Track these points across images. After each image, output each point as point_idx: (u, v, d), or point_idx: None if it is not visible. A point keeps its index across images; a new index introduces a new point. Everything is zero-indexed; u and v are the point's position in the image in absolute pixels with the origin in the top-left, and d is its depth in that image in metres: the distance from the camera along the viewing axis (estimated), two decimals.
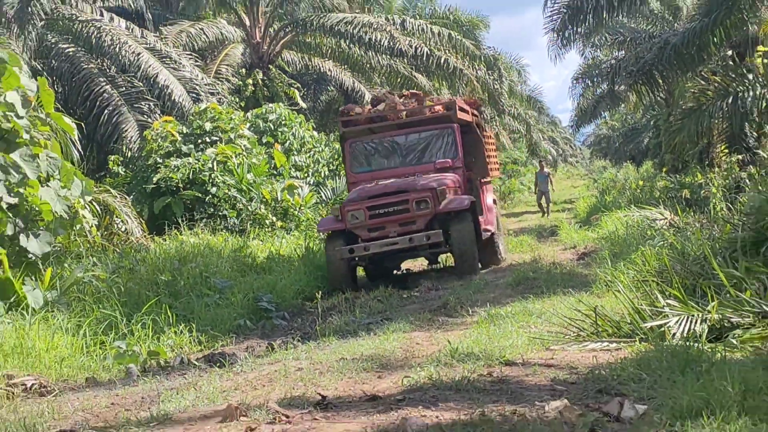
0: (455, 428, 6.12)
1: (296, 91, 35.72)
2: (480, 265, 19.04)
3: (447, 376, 8.08)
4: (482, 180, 20.10)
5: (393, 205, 17.08)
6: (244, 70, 33.41)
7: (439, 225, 17.24)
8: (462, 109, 19.48)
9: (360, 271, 20.30)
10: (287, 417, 7.11)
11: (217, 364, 10.80)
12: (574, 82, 47.15)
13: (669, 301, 9.66)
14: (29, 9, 25.88)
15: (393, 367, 9.13)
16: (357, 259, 17.61)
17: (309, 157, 29.17)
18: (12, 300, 12.67)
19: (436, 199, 16.70)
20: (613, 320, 9.90)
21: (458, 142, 18.73)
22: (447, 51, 34.00)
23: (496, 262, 20.13)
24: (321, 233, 20.04)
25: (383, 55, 34.15)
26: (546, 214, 38.37)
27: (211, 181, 23.11)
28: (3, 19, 25.58)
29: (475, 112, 20.82)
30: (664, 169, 34.52)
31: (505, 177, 49.23)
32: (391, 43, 33.31)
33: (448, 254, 20.15)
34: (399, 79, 36.13)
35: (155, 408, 8.22)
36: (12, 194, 14.44)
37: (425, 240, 16.56)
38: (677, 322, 9.13)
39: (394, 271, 20.88)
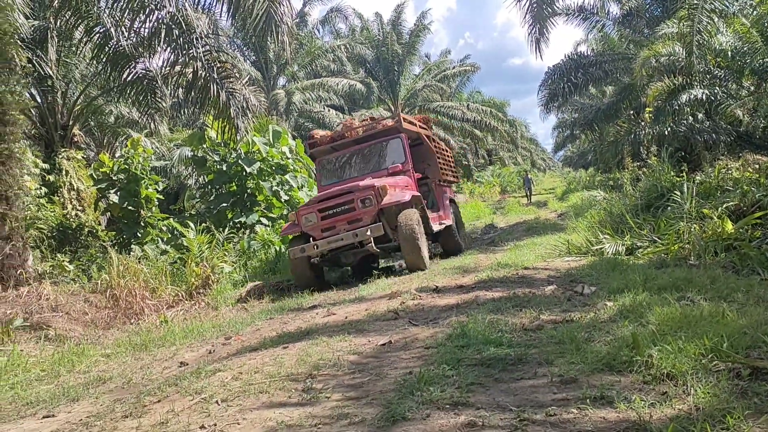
0: (501, 300, 6.06)
1: None
2: (441, 252, 12.54)
3: (496, 275, 8.00)
4: (438, 182, 12.96)
5: (340, 205, 10.42)
6: None
7: (387, 220, 10.48)
8: (409, 122, 12.34)
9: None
10: (420, 296, 7.14)
11: (385, 274, 10.88)
12: (553, 130, 46.94)
13: (605, 236, 9.43)
14: (290, 107, 26.39)
15: (469, 271, 9.06)
16: (313, 257, 10.32)
17: None
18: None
19: (378, 196, 10.26)
20: (577, 246, 9.70)
21: (406, 149, 11.65)
22: (490, 117, 33.70)
23: (459, 248, 12.69)
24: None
25: (458, 121, 33.93)
26: (529, 201, 34.00)
27: None
28: (277, 111, 26.07)
29: (424, 126, 13.44)
30: (600, 171, 33.78)
31: (520, 179, 48.23)
32: (462, 115, 33.31)
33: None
34: (466, 133, 35.83)
35: (356, 294, 8.34)
36: (286, 194, 14.83)
37: (367, 233, 9.92)
38: (609, 245, 8.92)
39: (375, 267, 12.53)
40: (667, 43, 16.07)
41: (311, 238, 10.23)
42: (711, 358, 3.31)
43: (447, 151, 14.99)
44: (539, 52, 12.34)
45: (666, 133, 16.26)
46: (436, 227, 11.49)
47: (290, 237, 10.96)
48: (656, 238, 8.66)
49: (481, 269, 9.01)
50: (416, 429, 2.94)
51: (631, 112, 24.21)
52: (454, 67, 39.69)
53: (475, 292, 6.80)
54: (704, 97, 15.18)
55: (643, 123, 19.06)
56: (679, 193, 9.40)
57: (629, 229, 9.36)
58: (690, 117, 16.59)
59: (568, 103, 26.86)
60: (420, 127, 12.67)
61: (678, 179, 10.66)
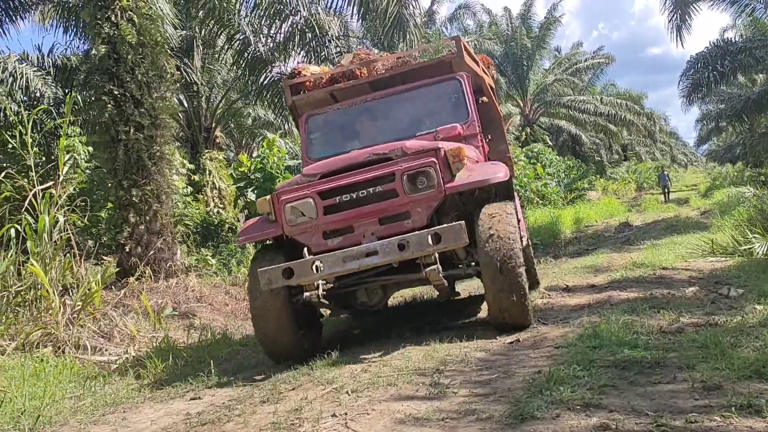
0: (636, 301, 5.80)
1: (546, 137, 34.86)
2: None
3: (631, 275, 7.68)
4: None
5: (366, 185, 5.05)
6: (520, 127, 32.80)
7: (449, 220, 5.15)
8: (471, 57, 6.74)
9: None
10: (549, 295, 7.00)
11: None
12: (696, 122, 44.26)
13: (755, 235, 8.75)
14: None
15: (602, 270, 8.75)
16: (308, 292, 4.97)
17: (554, 169, 28.31)
18: None
19: (445, 169, 5.04)
20: (722, 245, 9.08)
21: (469, 99, 6.21)
22: (625, 111, 32.33)
23: (535, 280, 7.30)
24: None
25: (590, 116, 32.71)
26: (666, 200, 30.58)
27: None
28: None
29: (486, 71, 7.40)
30: (749, 166, 31.46)
31: (657, 176, 45.54)
32: (595, 109, 32.18)
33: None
34: (599, 128, 34.51)
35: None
36: None
37: (432, 243, 4.62)
38: (760, 245, 8.26)
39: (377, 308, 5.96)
40: None
41: (306, 249, 5.03)
42: None
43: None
44: (680, 39, 11.73)
45: None
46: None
47: (254, 247, 6.78)
48: None
49: (614, 268, 8.68)
50: (545, 428, 2.89)
51: None
52: (586, 60, 38.33)
53: (608, 292, 6.58)
54: None
55: None
56: None
57: None
58: None
59: (712, 93, 25.13)
60: (483, 71, 7.18)
61: None
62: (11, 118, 9.74)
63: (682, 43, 12.81)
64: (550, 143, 34.98)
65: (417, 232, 4.72)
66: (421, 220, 5.00)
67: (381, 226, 5.07)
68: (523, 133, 32.17)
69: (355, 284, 5.40)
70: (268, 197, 5.38)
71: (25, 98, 11.94)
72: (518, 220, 5.50)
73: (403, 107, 6.50)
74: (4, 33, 12.07)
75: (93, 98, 9.44)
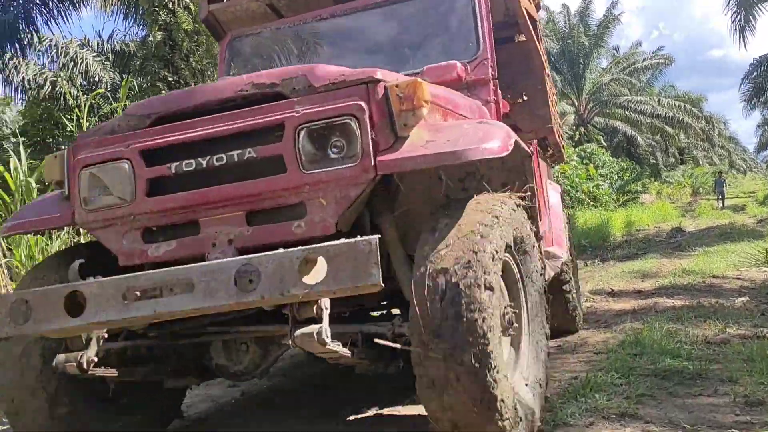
0: (683, 308, 5.66)
1: (601, 137, 34.19)
2: None
3: (679, 282, 7.49)
4: (543, 149, 5.04)
5: (229, 144, 2.26)
6: (574, 127, 32.25)
7: (406, 230, 2.53)
8: None
9: None
10: (593, 298, 6.90)
11: None
12: (758, 128, 42.87)
13: None
14: None
15: (650, 276, 8.55)
16: (61, 352, 2.22)
17: (607, 170, 27.74)
18: None
19: (384, 123, 2.20)
20: None
21: (483, 23, 3.17)
22: (683, 113, 31.53)
23: (569, 324, 4.84)
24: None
25: (647, 117, 31.99)
26: (722, 206, 28.27)
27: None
28: None
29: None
30: None
31: (713, 181, 44.25)
32: (652, 110, 31.52)
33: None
34: (655, 129, 33.68)
35: None
36: None
37: (306, 279, 1.84)
38: None
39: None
40: None
41: (77, 264, 2.38)
42: None
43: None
44: (743, 42, 11.31)
45: None
46: (550, 272, 4.11)
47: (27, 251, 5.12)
48: None
49: (663, 274, 8.48)
50: None
51: None
52: (644, 60, 37.39)
53: (655, 299, 6.43)
54: None
55: None
56: None
57: None
58: None
59: None
60: None
61: None
62: (70, 102, 10.04)
63: (745, 46, 12.37)
64: (604, 144, 34.29)
65: (279, 252, 2.06)
66: (326, 223, 2.41)
67: (249, 227, 2.50)
68: (577, 132, 31.62)
69: (196, 333, 2.83)
70: (60, 152, 2.83)
71: (84, 82, 12.30)
72: (537, 235, 2.93)
73: (378, 31, 4.00)
74: (67, 18, 12.47)
75: (148, 84, 9.68)
